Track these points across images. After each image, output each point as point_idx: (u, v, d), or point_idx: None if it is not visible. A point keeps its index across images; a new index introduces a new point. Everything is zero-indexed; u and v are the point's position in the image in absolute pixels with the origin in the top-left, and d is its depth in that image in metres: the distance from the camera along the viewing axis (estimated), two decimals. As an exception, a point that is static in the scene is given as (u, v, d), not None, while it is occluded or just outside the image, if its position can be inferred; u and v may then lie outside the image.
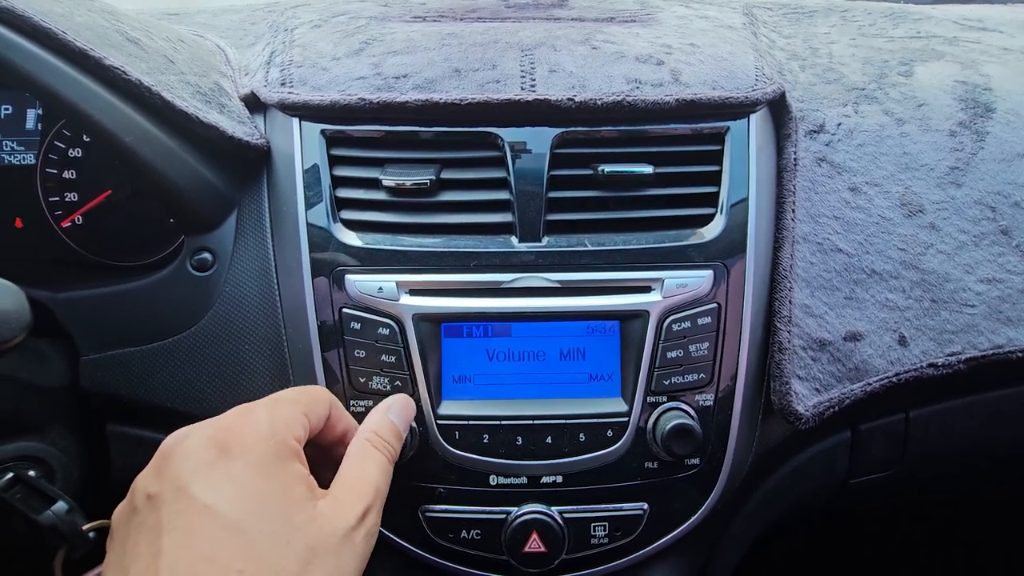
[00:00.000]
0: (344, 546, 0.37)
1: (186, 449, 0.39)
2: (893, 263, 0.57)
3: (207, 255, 0.57)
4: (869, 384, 0.53)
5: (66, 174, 0.69)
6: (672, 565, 0.55)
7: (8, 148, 0.70)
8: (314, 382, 0.51)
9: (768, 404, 0.53)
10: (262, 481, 0.37)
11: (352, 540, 0.37)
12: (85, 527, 0.46)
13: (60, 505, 0.46)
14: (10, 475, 0.48)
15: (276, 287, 0.55)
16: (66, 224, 0.70)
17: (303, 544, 0.35)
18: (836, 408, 0.52)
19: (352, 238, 0.53)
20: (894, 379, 0.54)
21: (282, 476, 0.37)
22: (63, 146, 0.69)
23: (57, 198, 0.69)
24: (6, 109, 0.71)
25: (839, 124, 0.62)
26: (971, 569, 1.07)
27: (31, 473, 0.50)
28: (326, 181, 0.55)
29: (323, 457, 0.44)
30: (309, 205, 0.54)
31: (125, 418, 0.59)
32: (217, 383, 0.55)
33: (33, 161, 0.69)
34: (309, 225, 0.54)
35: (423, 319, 0.50)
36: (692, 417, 0.49)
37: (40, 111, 0.70)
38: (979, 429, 0.62)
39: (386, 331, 0.50)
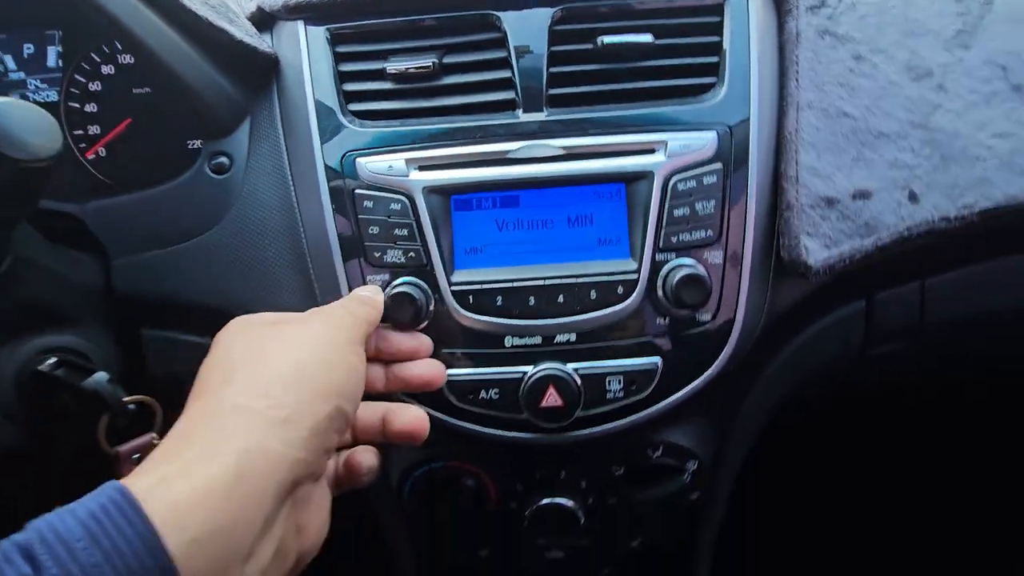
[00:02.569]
0: None
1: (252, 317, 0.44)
2: (901, 123, 0.56)
3: (224, 159, 0.59)
4: (880, 239, 0.53)
5: (87, 108, 0.72)
6: (687, 430, 0.56)
7: (33, 87, 0.73)
8: (331, 261, 0.53)
9: (779, 265, 0.54)
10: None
11: None
12: (125, 399, 0.49)
13: (101, 375, 0.48)
14: (54, 359, 0.51)
15: (291, 182, 0.57)
16: (91, 156, 0.73)
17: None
18: (847, 262, 0.52)
19: (361, 126, 0.55)
20: (905, 233, 0.54)
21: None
22: (83, 80, 0.71)
23: (81, 131, 0.72)
24: (28, 48, 0.73)
25: (840, -3, 0.61)
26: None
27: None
28: (333, 77, 0.56)
29: None
30: (318, 102, 0.56)
31: (159, 322, 0.61)
32: (242, 277, 0.57)
33: (56, 98, 0.72)
34: (319, 119, 0.56)
35: (433, 192, 0.52)
36: (702, 270, 0.50)
37: (60, 48, 0.73)
38: (997, 295, 0.62)
39: (398, 206, 0.52)
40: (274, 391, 0.34)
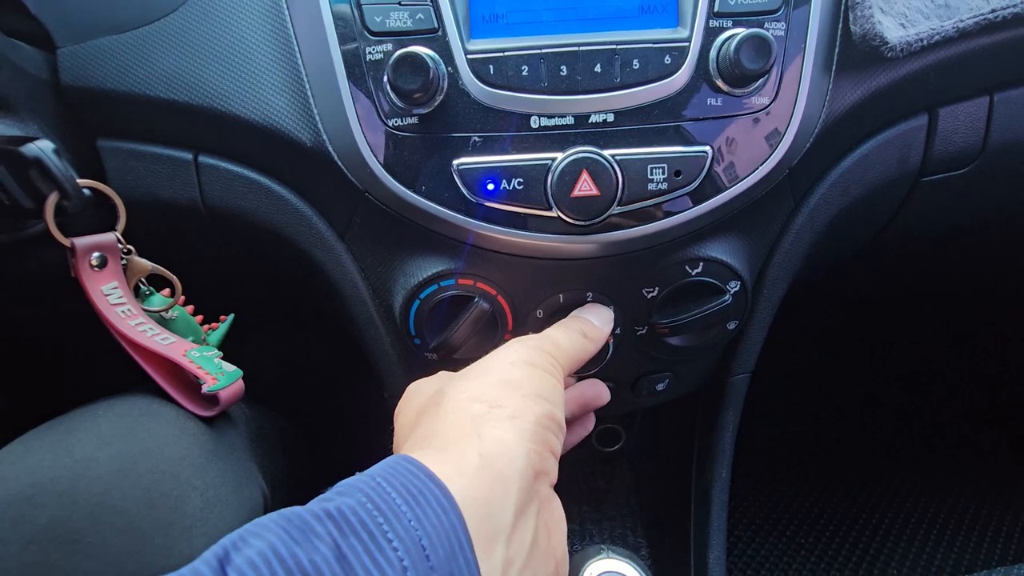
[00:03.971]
0: None
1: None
2: None
3: (188, -74, 0.50)
4: (962, 21, 0.46)
5: None
6: (731, 246, 0.49)
7: None
8: (324, 37, 0.44)
9: (843, 55, 0.47)
10: None
11: None
12: (79, 181, 0.41)
13: (45, 142, 0.40)
14: (-11, 141, 0.43)
15: (271, -54, 0.48)
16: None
17: None
18: (924, 43, 0.45)
19: None
20: (990, 16, 0.46)
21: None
22: None
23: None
24: None
25: None
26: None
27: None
28: None
29: None
30: None
31: (118, 131, 0.53)
32: (216, 65, 0.49)
33: None
34: None
35: (444, -59, 0.43)
36: (766, 32, 0.42)
37: None
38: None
39: (401, -39, 0.43)
40: (490, 394, 0.35)
